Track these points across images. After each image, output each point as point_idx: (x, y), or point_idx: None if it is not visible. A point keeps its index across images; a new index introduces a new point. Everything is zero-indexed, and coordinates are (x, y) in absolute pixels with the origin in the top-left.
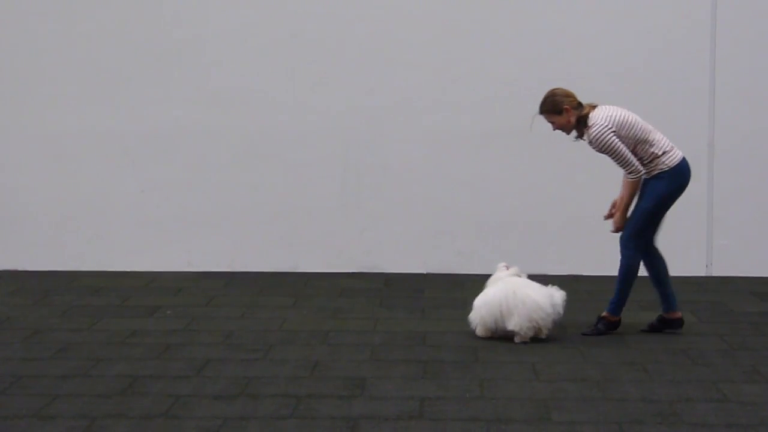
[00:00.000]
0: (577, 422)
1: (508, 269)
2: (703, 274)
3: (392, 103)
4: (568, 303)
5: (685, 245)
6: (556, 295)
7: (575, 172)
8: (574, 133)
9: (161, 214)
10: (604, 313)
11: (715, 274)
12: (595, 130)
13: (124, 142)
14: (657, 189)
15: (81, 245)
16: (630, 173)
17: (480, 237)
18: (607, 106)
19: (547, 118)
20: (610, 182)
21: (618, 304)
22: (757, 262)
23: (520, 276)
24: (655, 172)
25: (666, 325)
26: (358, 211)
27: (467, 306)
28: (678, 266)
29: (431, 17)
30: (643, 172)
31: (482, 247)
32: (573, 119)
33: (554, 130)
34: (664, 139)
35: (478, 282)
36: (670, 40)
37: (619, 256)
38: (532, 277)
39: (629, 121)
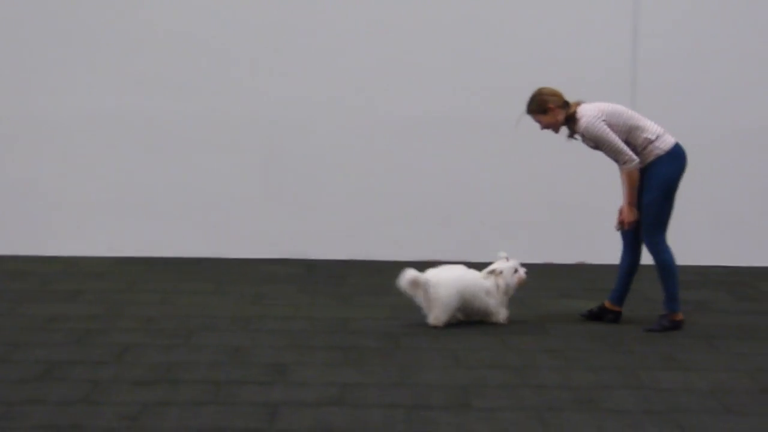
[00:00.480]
0: (497, 408)
1: (508, 260)
2: None
3: (317, 89)
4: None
5: (605, 233)
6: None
7: (501, 160)
8: (565, 132)
9: (82, 199)
10: (663, 312)
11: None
12: (586, 120)
13: (45, 126)
14: (658, 175)
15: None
16: (624, 163)
17: (404, 224)
18: (594, 102)
19: (533, 117)
20: (543, 172)
21: (673, 300)
22: (678, 252)
23: (517, 268)
24: (652, 158)
25: (605, 314)
26: (281, 197)
27: (390, 292)
28: (600, 254)
29: (359, 4)
30: (637, 160)
31: (406, 233)
32: (560, 117)
33: (542, 129)
34: (655, 124)
35: (401, 268)
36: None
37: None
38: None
39: (618, 109)
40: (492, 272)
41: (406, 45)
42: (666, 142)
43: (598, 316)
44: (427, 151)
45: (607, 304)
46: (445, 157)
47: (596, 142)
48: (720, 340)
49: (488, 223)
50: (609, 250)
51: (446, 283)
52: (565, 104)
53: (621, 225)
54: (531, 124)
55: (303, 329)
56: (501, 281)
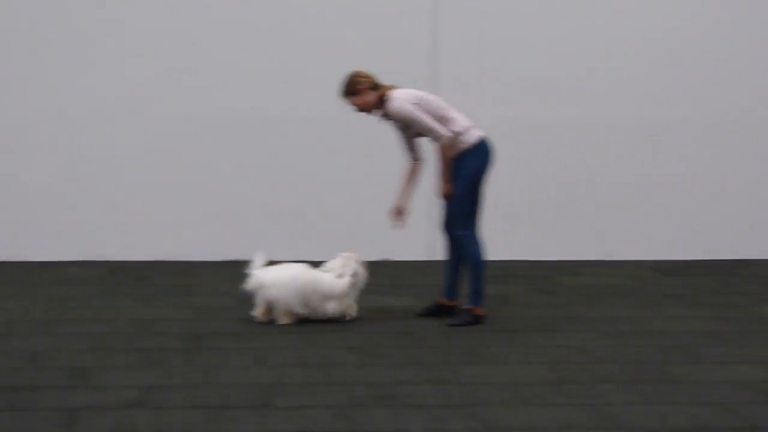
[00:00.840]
0: (300, 407)
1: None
2: (424, 258)
3: (116, 87)
4: None
5: (411, 231)
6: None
7: (302, 158)
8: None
9: None
10: (467, 306)
11: (437, 258)
12: (396, 102)
13: None
14: (465, 169)
15: None
16: (437, 139)
17: (207, 224)
18: (407, 89)
19: (347, 100)
20: (346, 170)
21: (478, 295)
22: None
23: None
24: (459, 151)
25: (442, 311)
26: (80, 198)
27: (193, 293)
28: (401, 251)
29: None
30: (451, 135)
31: (209, 234)
32: (370, 99)
33: (357, 112)
34: (464, 118)
35: (205, 269)
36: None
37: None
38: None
39: (428, 98)
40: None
41: (211, 43)
42: (473, 135)
43: (434, 313)
44: (230, 149)
45: (443, 300)
46: (247, 156)
47: (406, 123)
48: (520, 334)
49: (291, 221)
50: (412, 247)
51: (281, 283)
52: (376, 86)
53: (443, 197)
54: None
55: (105, 332)
56: (349, 278)
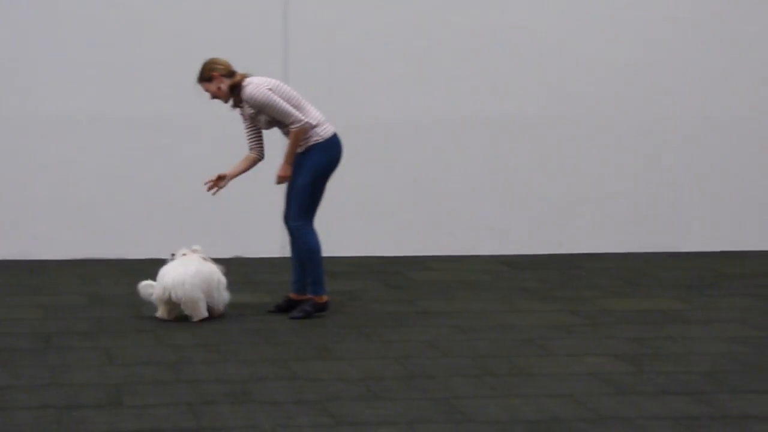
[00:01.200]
0: (150, 405)
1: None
2: (277, 255)
3: None
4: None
5: (261, 227)
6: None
7: (149, 155)
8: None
9: None
10: (308, 296)
11: (287, 254)
12: (251, 88)
13: None
14: (313, 162)
15: None
16: (292, 123)
17: (57, 221)
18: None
19: (202, 86)
20: (195, 168)
21: (317, 283)
22: (332, 242)
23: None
24: (310, 144)
25: (293, 306)
26: None
27: (41, 292)
28: (254, 247)
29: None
30: (306, 121)
31: (58, 232)
32: (224, 86)
33: (211, 98)
34: (317, 111)
35: (53, 267)
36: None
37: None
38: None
39: (284, 87)
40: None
41: (50, 40)
42: (326, 130)
43: (286, 309)
44: (88, 146)
45: (292, 295)
46: (101, 152)
47: (262, 108)
48: (371, 329)
49: (144, 217)
50: (266, 243)
51: (191, 282)
52: (231, 73)
53: (279, 179)
54: None
55: None
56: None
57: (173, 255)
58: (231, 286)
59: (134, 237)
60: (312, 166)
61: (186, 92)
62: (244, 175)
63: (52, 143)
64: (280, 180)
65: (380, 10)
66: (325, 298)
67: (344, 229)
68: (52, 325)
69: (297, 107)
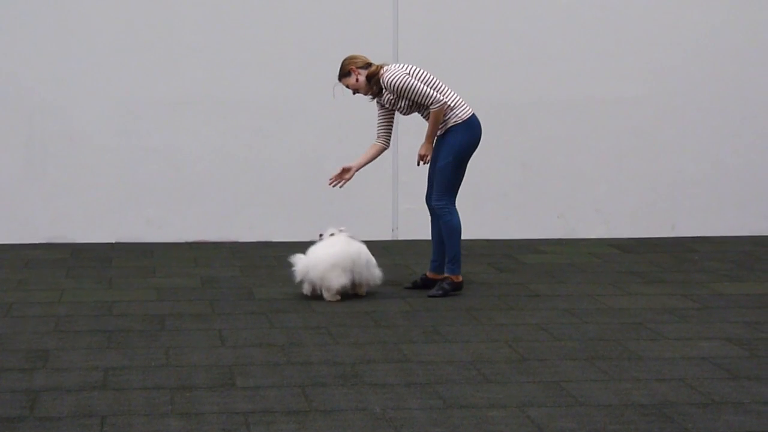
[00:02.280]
0: (261, 387)
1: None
2: (389, 237)
3: (78, 68)
4: (256, 269)
5: (372, 210)
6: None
7: (263, 137)
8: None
9: None
10: (445, 275)
11: (400, 237)
12: (389, 75)
13: None
14: (454, 142)
15: None
16: (432, 104)
17: (169, 205)
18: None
19: (342, 83)
20: (304, 150)
21: (455, 263)
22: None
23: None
24: (450, 125)
25: (428, 284)
26: (43, 180)
27: (156, 274)
28: (366, 230)
29: None
30: (444, 101)
31: (172, 215)
32: (362, 78)
33: (353, 94)
34: (455, 93)
35: (167, 250)
36: (353, 10)
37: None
38: (221, 245)
39: (420, 71)
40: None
41: (168, 23)
42: (464, 111)
43: (422, 286)
44: (192, 131)
45: (429, 274)
46: (207, 137)
47: (401, 92)
48: (481, 312)
49: (255, 201)
50: (372, 226)
51: (325, 262)
52: (367, 65)
53: (420, 159)
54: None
55: (66, 314)
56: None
57: (321, 236)
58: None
59: (245, 220)
60: (453, 146)
61: (293, 76)
62: (356, 158)
63: (164, 127)
64: (421, 158)
65: None
66: (461, 277)
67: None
68: (166, 307)
69: (435, 89)
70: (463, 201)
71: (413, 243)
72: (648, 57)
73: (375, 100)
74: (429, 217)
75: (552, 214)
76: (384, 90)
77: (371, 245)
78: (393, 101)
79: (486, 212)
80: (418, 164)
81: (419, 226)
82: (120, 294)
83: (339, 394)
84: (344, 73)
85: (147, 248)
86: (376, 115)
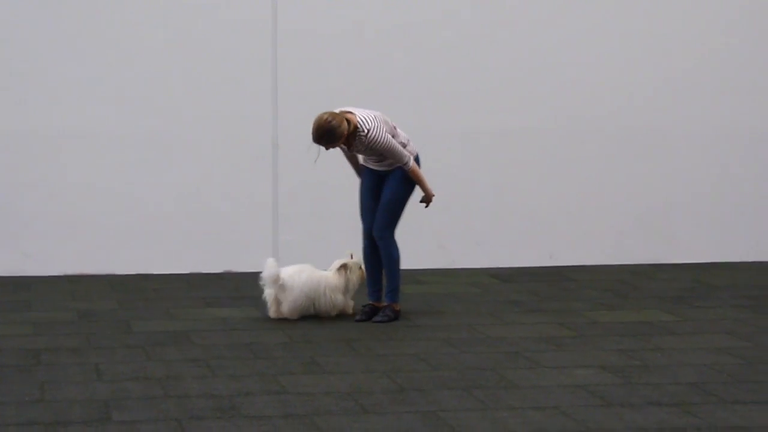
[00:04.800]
0: (138, 421)
1: (352, 257)
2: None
3: None
4: (135, 302)
5: (252, 241)
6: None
7: (145, 171)
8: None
9: None
10: (385, 303)
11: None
12: (374, 134)
13: None
14: (404, 179)
15: None
16: (406, 164)
17: (46, 238)
18: (358, 109)
19: (328, 147)
20: (187, 183)
21: (396, 292)
22: (320, 256)
23: (361, 265)
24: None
25: (376, 313)
26: None
27: (32, 308)
28: (246, 262)
29: None
30: (410, 157)
31: (49, 248)
32: (347, 135)
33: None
34: (403, 131)
35: (45, 284)
36: (233, 43)
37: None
38: (100, 278)
39: (382, 115)
40: (343, 267)
41: (56, 54)
42: (413, 147)
43: (372, 315)
44: (71, 164)
45: (376, 303)
46: (86, 170)
47: (382, 153)
48: (360, 342)
49: (133, 233)
50: (252, 258)
51: (297, 286)
52: (347, 122)
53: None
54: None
55: None
56: (351, 276)
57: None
58: (220, 301)
59: (124, 253)
60: (406, 182)
61: (172, 108)
62: (235, 190)
63: (42, 160)
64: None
65: (371, 22)
66: (399, 306)
67: (333, 243)
68: (41, 341)
69: (393, 134)
70: (342, 233)
71: None
72: (528, 91)
73: (349, 151)
74: (309, 249)
75: (433, 245)
76: (332, 145)
77: (251, 276)
78: (364, 152)
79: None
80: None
81: (299, 257)
82: None
83: (216, 427)
84: (337, 140)
85: (24, 282)
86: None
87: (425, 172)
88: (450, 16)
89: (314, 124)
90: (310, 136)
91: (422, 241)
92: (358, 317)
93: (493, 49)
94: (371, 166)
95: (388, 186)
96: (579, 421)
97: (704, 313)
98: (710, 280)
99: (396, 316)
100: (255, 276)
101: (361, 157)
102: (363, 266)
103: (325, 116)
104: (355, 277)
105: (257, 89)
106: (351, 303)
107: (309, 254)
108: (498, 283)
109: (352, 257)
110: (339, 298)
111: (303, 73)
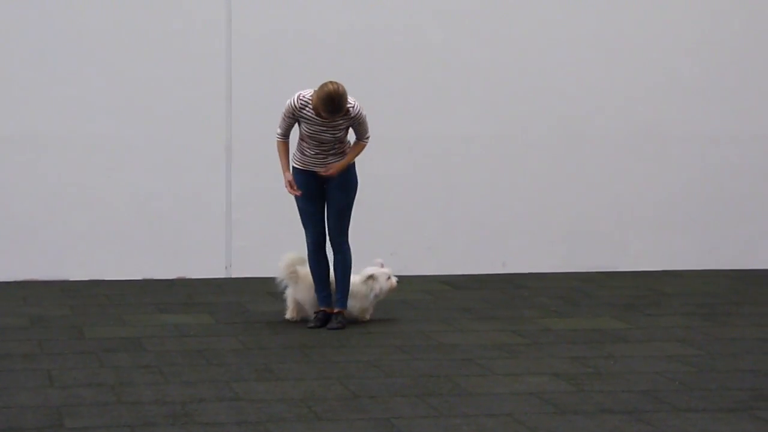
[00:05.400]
0: (90, 427)
1: (382, 267)
2: (222, 275)
3: None
4: (87, 308)
5: (205, 247)
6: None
7: (93, 175)
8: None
9: None
10: (337, 309)
11: (234, 275)
12: (357, 106)
13: None
14: (354, 181)
15: None
16: (367, 137)
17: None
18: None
19: (338, 116)
20: (135, 187)
21: (347, 296)
22: (273, 263)
23: (390, 275)
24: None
25: (329, 318)
26: None
27: None
28: (198, 268)
29: None
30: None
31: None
32: None
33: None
34: None
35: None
36: (186, 45)
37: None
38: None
39: None
40: (370, 277)
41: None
42: None
43: (325, 322)
44: (18, 168)
45: (328, 309)
46: (26, 173)
47: (359, 122)
48: (313, 349)
49: (85, 238)
50: (205, 264)
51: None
52: None
53: (327, 172)
54: None
55: None
56: (376, 285)
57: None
58: (172, 307)
59: (76, 258)
60: (354, 185)
61: (124, 112)
62: (187, 196)
63: None
64: (327, 173)
65: (330, 24)
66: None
67: (286, 249)
68: None
69: None
70: (295, 239)
71: (247, 281)
72: (478, 98)
73: (313, 116)
74: (262, 255)
75: (385, 252)
76: (340, 115)
77: (204, 283)
78: (341, 126)
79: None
80: (325, 173)
81: (252, 264)
82: None
83: None
84: (343, 108)
85: None
86: (285, 121)
87: (376, 177)
88: (402, 19)
89: (325, 95)
90: (315, 110)
91: (374, 248)
92: (311, 324)
93: (449, 55)
94: (312, 166)
95: (336, 192)
96: (532, 428)
97: (656, 321)
98: (662, 288)
99: (349, 321)
100: (207, 282)
101: (306, 155)
102: (392, 277)
103: (332, 85)
104: (383, 286)
105: (211, 93)
106: (369, 311)
107: (262, 260)
108: (450, 290)
109: (382, 266)
110: (355, 305)
111: (257, 76)
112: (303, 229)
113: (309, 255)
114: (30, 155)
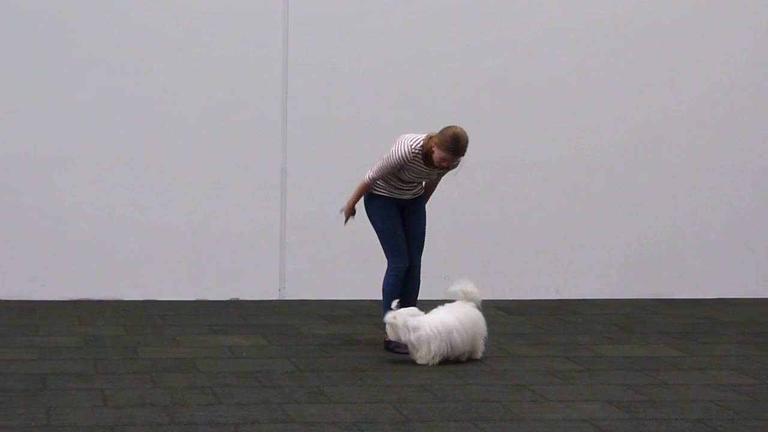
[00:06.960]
0: None
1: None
2: (276, 297)
3: None
4: (141, 328)
5: (259, 269)
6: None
7: (149, 195)
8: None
9: None
10: None
11: (287, 297)
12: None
13: None
14: (426, 208)
15: None
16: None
17: (52, 262)
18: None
19: (458, 160)
20: (195, 208)
21: None
22: (327, 286)
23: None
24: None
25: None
26: None
27: (38, 332)
28: (252, 290)
29: None
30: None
31: (55, 272)
32: None
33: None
34: None
35: (51, 308)
36: (244, 69)
37: None
38: (106, 303)
39: None
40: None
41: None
42: None
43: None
44: (74, 187)
45: None
46: (89, 193)
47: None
48: (366, 372)
49: (140, 259)
50: (259, 286)
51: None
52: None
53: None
54: None
55: None
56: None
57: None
58: (226, 328)
59: (131, 279)
60: (425, 212)
61: (181, 133)
62: (242, 218)
63: (49, 184)
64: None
65: (372, 45)
66: None
67: (340, 272)
68: (47, 366)
69: None
70: (351, 261)
71: (300, 303)
72: (538, 122)
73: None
74: (315, 278)
75: (438, 276)
76: (460, 157)
77: (257, 305)
78: (443, 173)
79: (372, 272)
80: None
81: (306, 286)
82: (0, 353)
83: None
84: (464, 153)
85: (29, 306)
86: (387, 170)
87: (431, 202)
88: (457, 47)
89: (457, 138)
90: (450, 151)
91: (428, 271)
92: (399, 349)
93: (498, 81)
94: (406, 194)
95: (419, 216)
96: None
97: (710, 349)
98: (716, 316)
99: None
100: (261, 304)
101: (391, 184)
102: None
103: (459, 128)
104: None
105: (267, 116)
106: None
107: (315, 283)
108: (504, 316)
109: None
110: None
111: (312, 100)
112: (384, 256)
113: (395, 281)
114: (87, 175)
